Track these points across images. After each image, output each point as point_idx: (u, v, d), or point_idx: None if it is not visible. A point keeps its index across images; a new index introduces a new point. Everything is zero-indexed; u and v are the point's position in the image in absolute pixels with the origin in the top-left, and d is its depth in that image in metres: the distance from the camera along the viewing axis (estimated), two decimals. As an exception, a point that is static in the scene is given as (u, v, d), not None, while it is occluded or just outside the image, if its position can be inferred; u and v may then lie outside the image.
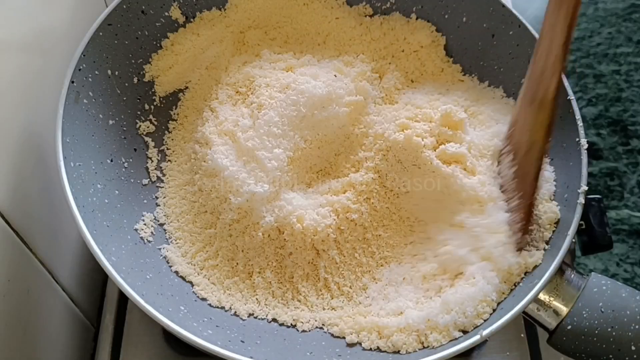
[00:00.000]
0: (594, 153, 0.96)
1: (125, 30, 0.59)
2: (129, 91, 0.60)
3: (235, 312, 0.53)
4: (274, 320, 0.53)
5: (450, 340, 0.48)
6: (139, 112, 0.61)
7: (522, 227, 0.51)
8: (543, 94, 0.49)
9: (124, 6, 0.59)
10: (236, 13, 0.67)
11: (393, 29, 0.68)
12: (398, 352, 0.49)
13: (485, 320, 0.48)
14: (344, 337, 0.52)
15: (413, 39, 0.67)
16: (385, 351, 0.50)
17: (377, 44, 0.68)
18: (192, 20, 0.66)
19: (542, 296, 0.48)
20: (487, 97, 0.63)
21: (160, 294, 0.50)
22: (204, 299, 0.53)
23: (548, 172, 0.55)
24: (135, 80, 0.61)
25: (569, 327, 0.47)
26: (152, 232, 0.56)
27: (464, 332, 0.48)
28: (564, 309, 0.48)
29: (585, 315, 0.47)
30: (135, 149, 0.60)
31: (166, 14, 0.63)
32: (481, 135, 0.59)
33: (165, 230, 0.57)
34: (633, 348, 0.46)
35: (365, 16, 0.69)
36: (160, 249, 0.55)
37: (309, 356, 0.50)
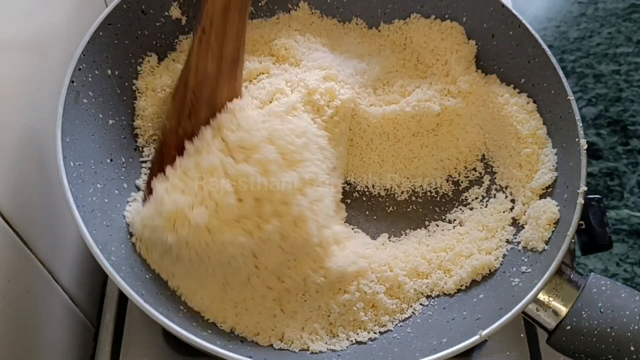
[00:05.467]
0: (593, 153, 0.96)
1: (125, 30, 0.59)
2: (129, 91, 0.60)
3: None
4: None
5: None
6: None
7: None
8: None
9: (124, 6, 0.59)
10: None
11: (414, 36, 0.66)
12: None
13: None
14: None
15: (443, 46, 0.65)
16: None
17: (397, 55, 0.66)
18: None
19: (542, 296, 0.48)
20: (487, 97, 0.63)
21: (160, 294, 0.50)
22: (203, 299, 0.53)
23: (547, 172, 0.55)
24: (135, 80, 0.61)
25: (569, 327, 0.47)
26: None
27: None
28: (563, 309, 0.48)
29: (584, 316, 0.47)
30: (135, 149, 0.60)
31: (166, 13, 0.63)
32: None
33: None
34: (632, 348, 0.46)
35: (371, 27, 0.68)
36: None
37: (308, 356, 0.50)
